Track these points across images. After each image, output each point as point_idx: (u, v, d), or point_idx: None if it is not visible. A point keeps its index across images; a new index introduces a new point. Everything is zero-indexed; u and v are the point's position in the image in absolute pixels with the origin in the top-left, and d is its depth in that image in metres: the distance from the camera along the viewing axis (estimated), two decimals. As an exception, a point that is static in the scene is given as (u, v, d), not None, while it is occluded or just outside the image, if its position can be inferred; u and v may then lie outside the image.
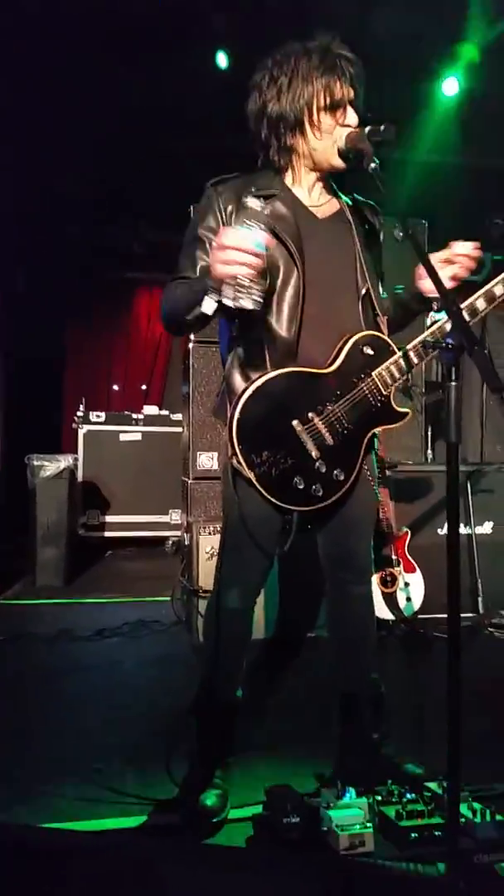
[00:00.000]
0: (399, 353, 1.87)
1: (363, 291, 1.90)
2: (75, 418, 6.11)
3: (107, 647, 3.32)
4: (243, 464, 1.72)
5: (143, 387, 7.87)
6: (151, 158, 5.38)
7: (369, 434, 1.89)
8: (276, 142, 1.85)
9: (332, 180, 1.94)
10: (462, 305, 1.81)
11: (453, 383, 1.31)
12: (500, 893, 1.42)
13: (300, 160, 1.88)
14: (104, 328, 7.84)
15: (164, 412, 6.37)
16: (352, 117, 1.80)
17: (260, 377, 1.75)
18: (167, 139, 5.22)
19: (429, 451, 4.47)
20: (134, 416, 6.25)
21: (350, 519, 1.96)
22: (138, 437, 6.17)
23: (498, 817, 1.55)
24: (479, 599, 3.75)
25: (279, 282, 1.80)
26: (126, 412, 6.36)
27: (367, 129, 1.73)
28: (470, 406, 5.83)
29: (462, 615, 3.55)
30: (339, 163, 1.82)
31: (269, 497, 1.75)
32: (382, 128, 1.70)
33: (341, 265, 1.90)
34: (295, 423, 1.78)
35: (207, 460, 3.64)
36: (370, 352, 1.87)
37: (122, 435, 6.15)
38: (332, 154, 1.81)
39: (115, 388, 7.91)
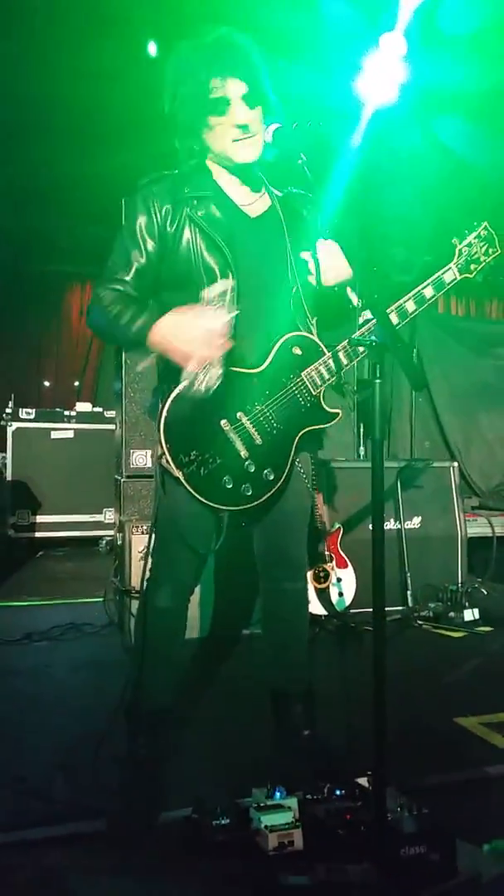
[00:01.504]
0: (328, 354, 1.88)
1: (294, 290, 1.90)
2: (3, 415, 5.92)
3: (35, 652, 3.22)
4: (171, 463, 1.72)
5: (76, 383, 7.71)
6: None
7: (300, 434, 1.89)
8: (187, 145, 1.85)
9: (261, 174, 1.93)
10: (392, 307, 1.83)
11: (377, 381, 1.31)
12: (427, 886, 1.43)
13: (215, 159, 1.87)
14: (33, 322, 7.63)
15: (98, 409, 6.25)
16: (242, 114, 1.76)
17: (188, 377, 1.73)
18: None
19: (361, 448, 4.54)
20: (66, 413, 6.11)
21: (283, 516, 1.96)
22: (70, 434, 6.03)
23: (424, 810, 1.56)
24: (409, 593, 3.83)
25: (212, 285, 1.78)
26: (57, 409, 6.21)
27: (275, 128, 1.73)
28: (400, 404, 5.97)
29: (392, 609, 3.65)
30: (243, 158, 1.81)
31: (197, 496, 1.74)
32: (310, 124, 1.69)
33: (272, 264, 1.90)
34: (223, 422, 1.78)
35: (141, 458, 3.58)
36: (299, 352, 1.88)
37: (53, 432, 6.00)
38: (232, 155, 1.80)
39: (46, 384, 7.72)
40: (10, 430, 5.87)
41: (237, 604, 3.31)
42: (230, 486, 1.77)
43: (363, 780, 1.75)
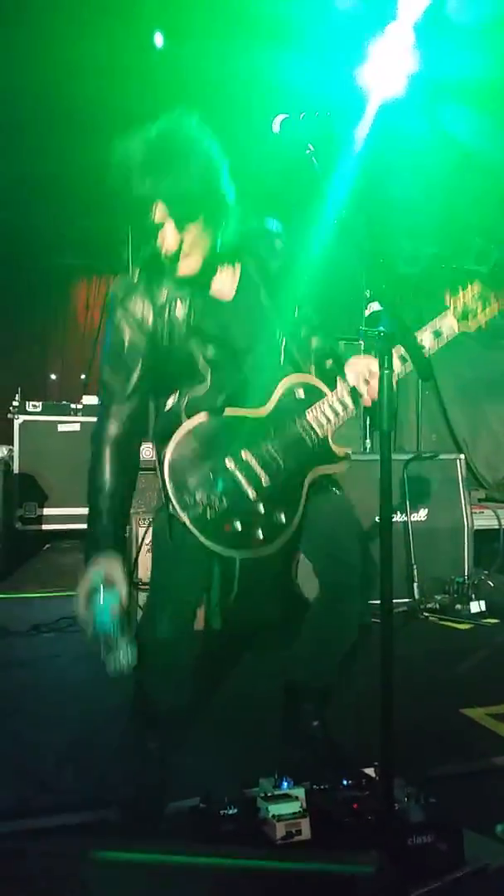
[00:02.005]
0: (333, 395, 1.87)
1: (283, 344, 1.90)
2: (10, 408, 5.93)
3: (43, 643, 3.24)
4: (177, 506, 1.69)
5: (83, 376, 7.71)
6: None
7: (309, 475, 1.86)
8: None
9: (220, 241, 1.83)
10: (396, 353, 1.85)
11: (385, 371, 1.31)
12: (434, 875, 1.44)
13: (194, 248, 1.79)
14: (39, 316, 7.64)
15: (104, 402, 6.24)
16: (171, 240, 1.70)
17: (192, 419, 1.75)
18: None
19: (367, 441, 4.53)
20: (72, 406, 6.12)
21: (332, 523, 1.92)
22: (77, 427, 6.03)
23: (431, 800, 1.57)
24: (415, 585, 3.83)
25: (197, 383, 1.81)
26: (64, 402, 6.21)
27: (283, 118, 1.71)
28: (406, 396, 5.95)
29: (398, 601, 3.65)
30: (184, 273, 1.76)
31: (205, 541, 1.69)
32: (317, 114, 1.68)
33: (259, 331, 1.87)
34: (227, 461, 1.75)
35: (146, 451, 3.57)
36: (302, 395, 1.87)
37: (60, 426, 6.00)
38: (174, 270, 1.77)
39: (53, 377, 7.74)
40: (16, 423, 5.88)
41: (254, 600, 3.31)
42: (240, 530, 1.72)
43: (370, 770, 1.76)
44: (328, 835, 1.55)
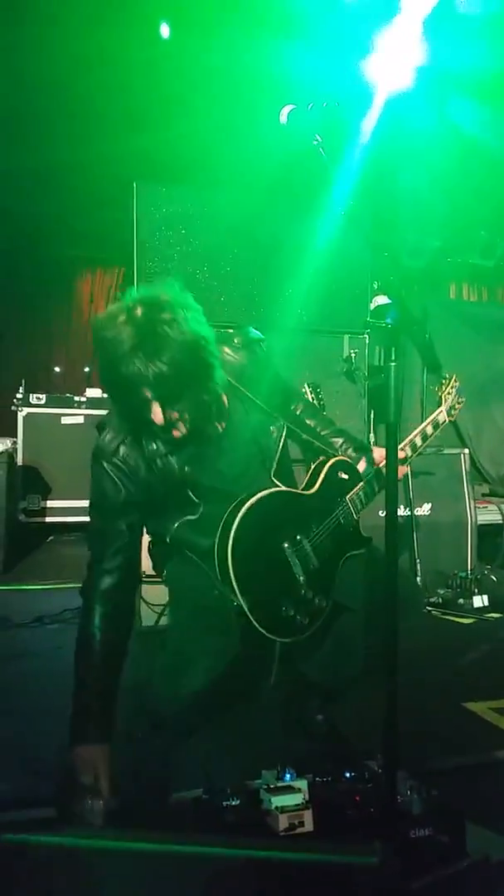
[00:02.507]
0: (363, 481, 1.91)
1: (280, 445, 1.88)
2: (14, 401, 5.93)
3: (47, 634, 3.25)
4: (237, 590, 1.64)
5: (87, 369, 7.71)
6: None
7: (343, 559, 1.87)
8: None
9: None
10: (405, 442, 2.01)
11: (392, 363, 1.31)
12: (436, 867, 1.44)
13: None
14: (43, 308, 7.63)
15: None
16: (158, 417, 1.64)
17: (249, 498, 1.70)
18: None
19: (371, 435, 4.53)
20: (76, 398, 6.12)
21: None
22: (81, 419, 6.04)
23: (433, 793, 1.57)
24: (418, 579, 3.83)
25: (189, 514, 1.80)
26: (68, 395, 6.22)
27: (290, 109, 1.68)
28: (411, 391, 5.93)
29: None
30: (176, 436, 1.72)
31: (259, 628, 1.66)
32: (325, 105, 1.67)
33: (249, 454, 1.86)
34: (285, 545, 1.74)
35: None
36: (345, 476, 1.89)
37: (63, 418, 6.01)
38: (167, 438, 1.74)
39: (57, 369, 7.73)
40: (20, 416, 5.89)
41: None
42: (291, 614, 1.71)
43: (372, 763, 1.76)
44: (331, 826, 1.55)
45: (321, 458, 1.91)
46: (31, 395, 5.95)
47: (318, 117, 1.70)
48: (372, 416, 4.54)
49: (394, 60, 4.39)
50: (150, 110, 4.82)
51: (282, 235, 3.85)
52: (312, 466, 1.91)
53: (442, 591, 3.71)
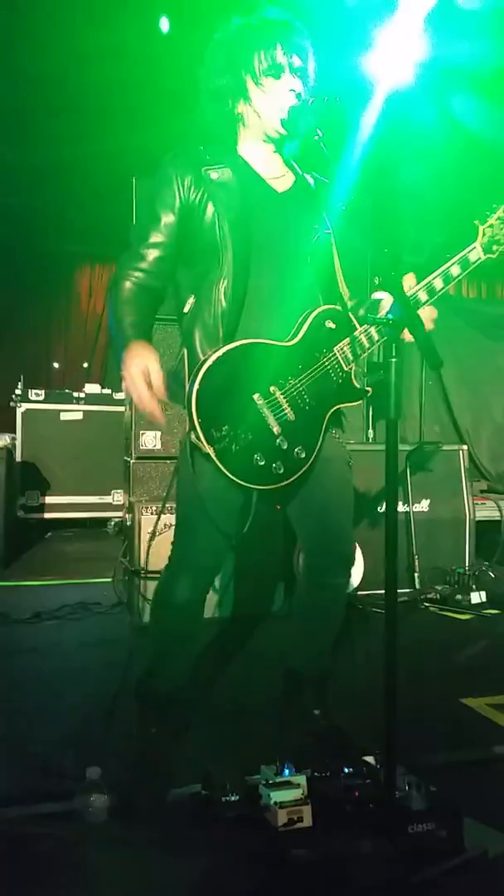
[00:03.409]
0: (361, 329, 1.85)
1: (315, 264, 1.87)
2: (13, 396, 5.93)
3: (45, 630, 3.25)
4: (202, 438, 1.67)
5: (85, 364, 7.70)
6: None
7: (331, 411, 1.86)
8: (223, 110, 1.83)
9: (287, 155, 1.91)
10: (421, 284, 1.82)
11: (393, 359, 1.30)
12: (434, 862, 1.45)
13: (249, 130, 1.86)
14: (42, 303, 7.62)
15: (107, 390, 6.25)
16: (295, 83, 1.78)
17: (219, 348, 1.71)
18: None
19: (370, 431, 4.53)
20: (75, 394, 6.11)
21: (326, 495, 1.92)
22: (79, 416, 6.03)
23: (432, 788, 1.58)
24: (416, 575, 3.83)
25: (222, 260, 1.76)
26: (67, 390, 6.21)
27: (311, 101, 1.71)
28: (409, 387, 5.93)
29: (399, 591, 3.64)
30: (282, 129, 1.80)
31: (228, 474, 1.69)
32: (326, 99, 1.68)
33: (296, 239, 1.86)
34: (255, 396, 1.73)
35: (150, 439, 3.58)
36: (332, 326, 1.85)
37: (62, 414, 6.01)
38: (276, 121, 1.79)
39: (56, 365, 7.72)
40: (19, 412, 5.88)
41: (259, 585, 3.32)
42: (262, 464, 1.72)
43: (371, 759, 1.77)
44: (329, 822, 1.56)
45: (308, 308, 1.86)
46: (29, 390, 5.94)
47: (319, 112, 1.70)
48: (371, 412, 4.54)
49: (395, 55, 4.38)
50: (149, 105, 4.80)
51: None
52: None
53: (440, 588, 3.72)
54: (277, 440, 1.75)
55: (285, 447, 1.76)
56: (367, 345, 1.85)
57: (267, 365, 1.75)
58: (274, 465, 1.74)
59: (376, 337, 1.85)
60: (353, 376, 1.88)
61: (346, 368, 1.86)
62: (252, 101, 1.80)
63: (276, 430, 1.75)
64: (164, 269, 1.84)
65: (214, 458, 1.67)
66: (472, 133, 5.15)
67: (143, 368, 1.66)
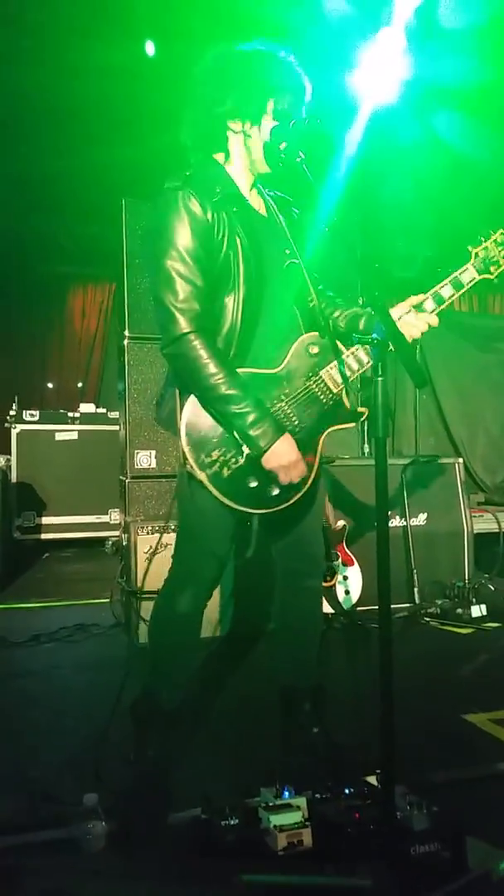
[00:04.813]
0: (348, 352, 1.87)
1: (309, 283, 1.89)
2: (7, 417, 5.93)
3: (43, 653, 3.22)
4: (194, 466, 1.71)
5: (80, 384, 7.71)
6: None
7: (324, 433, 1.88)
8: (219, 137, 1.85)
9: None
10: (428, 294, 1.85)
11: (380, 378, 1.31)
12: (437, 884, 1.43)
13: (240, 159, 1.87)
14: (36, 324, 7.64)
15: (101, 410, 6.26)
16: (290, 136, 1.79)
17: None
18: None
19: (365, 446, 4.53)
20: (70, 414, 6.12)
21: (302, 508, 1.93)
22: (74, 435, 6.04)
23: (434, 808, 1.56)
24: (415, 590, 3.82)
25: (230, 287, 1.77)
26: (61, 410, 6.21)
27: (273, 125, 1.76)
28: (404, 401, 5.95)
29: (399, 605, 3.64)
30: (265, 168, 1.84)
31: (222, 498, 1.72)
32: (308, 121, 1.70)
33: (278, 264, 1.88)
34: None
35: (145, 458, 3.58)
36: (316, 351, 1.87)
37: (57, 434, 6.01)
38: (262, 158, 1.83)
39: (50, 385, 7.73)
40: (14, 432, 5.88)
41: (257, 602, 3.31)
42: (254, 486, 1.74)
43: (372, 779, 1.75)
44: (330, 844, 1.54)
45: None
46: (24, 411, 5.95)
47: (302, 133, 1.71)
48: (366, 426, 4.55)
49: (379, 73, 4.44)
50: (138, 125, 4.84)
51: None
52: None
53: (440, 601, 3.70)
54: None
55: None
56: (355, 366, 1.87)
57: (254, 391, 1.76)
58: (268, 487, 1.76)
59: (365, 359, 1.86)
60: (344, 398, 1.89)
61: (335, 391, 1.87)
62: (251, 137, 1.82)
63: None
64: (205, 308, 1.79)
65: (207, 484, 1.71)
66: (458, 149, 5.19)
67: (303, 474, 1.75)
